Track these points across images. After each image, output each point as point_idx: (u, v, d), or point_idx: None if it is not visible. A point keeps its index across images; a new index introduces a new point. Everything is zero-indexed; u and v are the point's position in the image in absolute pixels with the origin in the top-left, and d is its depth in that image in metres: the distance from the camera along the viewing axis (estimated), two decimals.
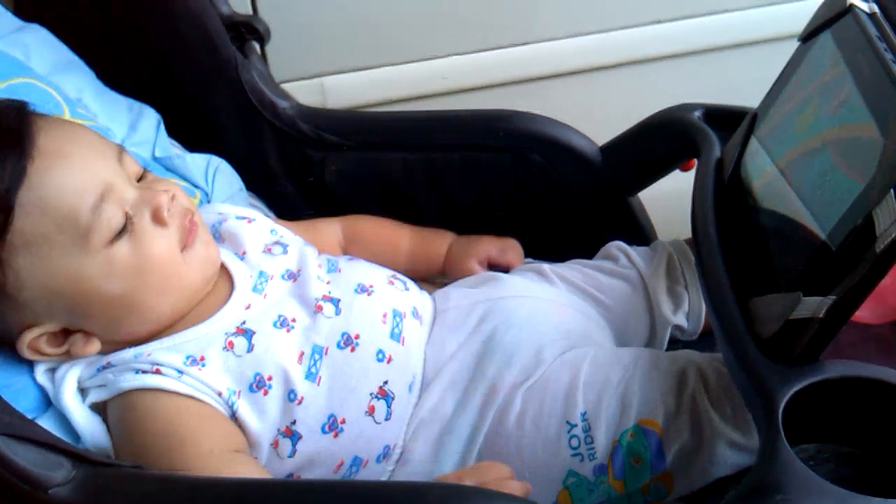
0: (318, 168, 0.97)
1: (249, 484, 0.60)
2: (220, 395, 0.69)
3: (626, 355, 0.75)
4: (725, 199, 0.72)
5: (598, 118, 0.95)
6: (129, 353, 0.70)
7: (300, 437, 0.71)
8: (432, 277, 0.94)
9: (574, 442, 0.71)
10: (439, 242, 0.94)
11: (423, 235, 0.94)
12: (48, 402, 0.70)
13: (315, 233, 0.91)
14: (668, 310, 0.84)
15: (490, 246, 0.92)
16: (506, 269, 0.90)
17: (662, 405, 0.71)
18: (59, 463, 0.57)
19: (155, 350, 0.70)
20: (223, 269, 0.77)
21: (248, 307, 0.75)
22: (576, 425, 0.71)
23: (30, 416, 0.65)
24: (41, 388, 0.69)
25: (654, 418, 0.70)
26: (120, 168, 0.71)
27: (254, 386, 0.70)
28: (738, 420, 0.69)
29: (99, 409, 0.70)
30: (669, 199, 0.86)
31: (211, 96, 0.97)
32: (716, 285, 0.66)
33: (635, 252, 0.88)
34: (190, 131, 0.97)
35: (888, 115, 0.56)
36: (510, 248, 0.92)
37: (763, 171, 0.69)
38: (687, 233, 0.73)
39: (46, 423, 0.66)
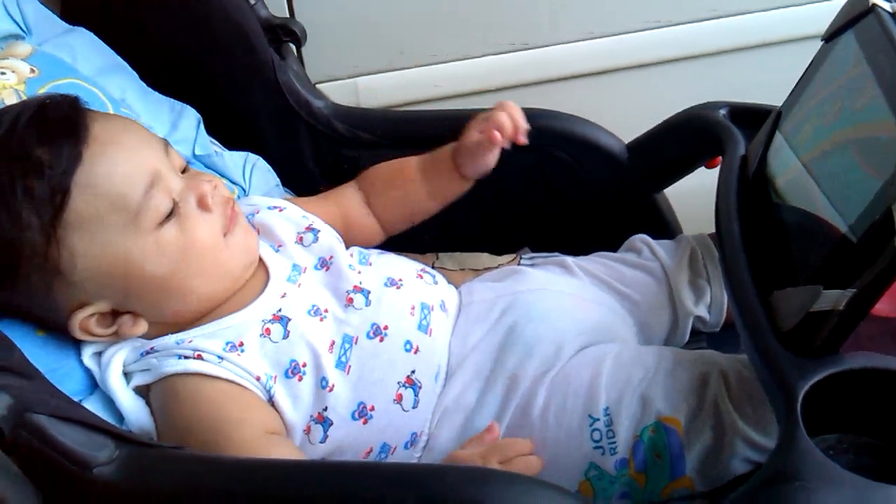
0: (353, 166, 0.98)
1: (289, 464, 0.62)
2: (258, 379, 0.71)
3: (649, 355, 0.76)
4: (749, 196, 0.72)
5: (606, 121, 0.96)
6: (171, 340, 0.73)
7: (331, 424, 0.73)
8: (454, 189, 0.90)
9: (596, 435, 0.72)
10: (441, 150, 0.89)
11: (427, 155, 0.90)
12: (94, 385, 0.72)
13: (338, 205, 0.90)
14: (689, 302, 0.85)
15: (482, 114, 0.86)
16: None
17: (684, 404, 0.71)
18: (103, 443, 0.59)
19: (196, 337, 0.73)
20: (260, 261, 0.79)
21: (283, 296, 0.77)
22: (598, 419, 0.72)
23: (76, 399, 0.68)
24: (88, 371, 0.72)
25: (676, 416, 0.71)
26: (166, 159, 0.74)
27: (289, 372, 0.72)
28: (759, 421, 0.70)
29: (142, 392, 0.72)
30: (695, 195, 0.86)
31: (249, 97, 0.99)
32: (738, 280, 0.66)
33: (659, 245, 0.89)
34: (228, 131, 1.00)
35: None
36: (499, 105, 0.86)
37: (787, 166, 0.69)
38: (712, 229, 0.74)
39: (92, 405, 0.69)
